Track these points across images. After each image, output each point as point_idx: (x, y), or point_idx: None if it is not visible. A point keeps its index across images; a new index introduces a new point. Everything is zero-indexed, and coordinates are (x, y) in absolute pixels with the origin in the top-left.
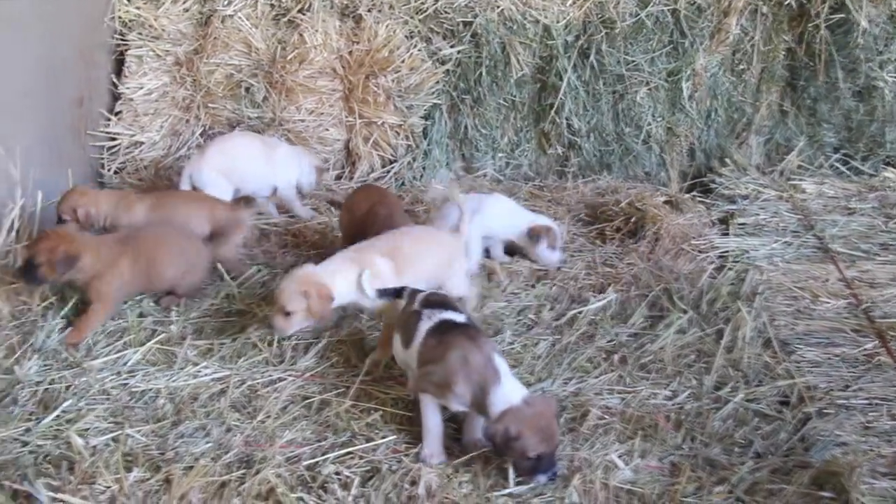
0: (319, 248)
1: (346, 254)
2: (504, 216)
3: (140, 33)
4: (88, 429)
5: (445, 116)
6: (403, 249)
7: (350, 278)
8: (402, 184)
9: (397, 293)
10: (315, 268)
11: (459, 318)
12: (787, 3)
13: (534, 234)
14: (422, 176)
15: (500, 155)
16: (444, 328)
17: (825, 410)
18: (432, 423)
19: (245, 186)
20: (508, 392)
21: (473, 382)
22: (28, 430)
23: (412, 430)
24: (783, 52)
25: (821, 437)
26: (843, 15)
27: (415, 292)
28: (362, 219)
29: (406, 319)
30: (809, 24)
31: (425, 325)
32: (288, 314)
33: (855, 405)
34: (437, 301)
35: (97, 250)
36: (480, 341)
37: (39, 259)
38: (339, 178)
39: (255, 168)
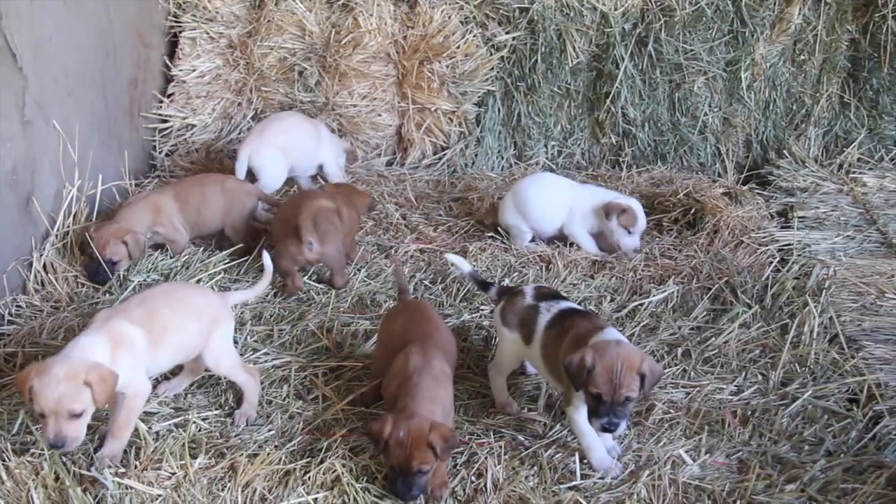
0: (372, 234)
1: (94, 326)
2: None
3: (194, 15)
4: (155, 414)
5: (499, 103)
6: (159, 317)
7: (105, 352)
8: (454, 171)
9: (484, 286)
10: (73, 355)
11: (577, 307)
12: None
13: (608, 210)
14: (474, 163)
15: (552, 143)
16: (563, 317)
17: None
18: (591, 436)
19: (298, 164)
20: (606, 334)
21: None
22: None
23: (477, 420)
24: (846, 43)
25: (894, 436)
26: None
27: (505, 290)
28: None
29: (523, 316)
30: (876, 15)
31: (544, 319)
32: (77, 416)
33: None
34: (551, 293)
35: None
36: (593, 316)
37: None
38: (390, 164)
39: (308, 145)
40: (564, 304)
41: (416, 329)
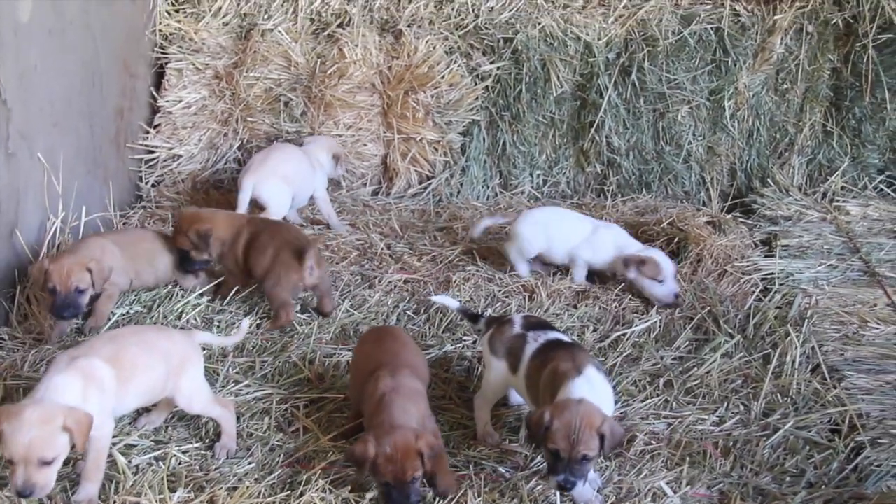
0: (356, 264)
1: (62, 363)
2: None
3: (180, 46)
4: (135, 447)
5: (484, 133)
6: (128, 356)
7: (77, 392)
8: (440, 200)
9: (473, 319)
10: (46, 398)
11: (564, 337)
12: (833, 22)
13: (626, 263)
14: (459, 192)
15: (538, 172)
16: (548, 348)
17: (879, 440)
18: None
19: (297, 194)
20: (573, 390)
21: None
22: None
23: (458, 452)
24: (828, 72)
25: (875, 467)
26: (891, 35)
27: (494, 319)
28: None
29: (511, 344)
30: (857, 44)
31: (531, 348)
32: (48, 464)
33: None
34: (539, 322)
35: None
36: (576, 351)
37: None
38: (375, 193)
39: (307, 175)
40: (552, 335)
41: (384, 349)
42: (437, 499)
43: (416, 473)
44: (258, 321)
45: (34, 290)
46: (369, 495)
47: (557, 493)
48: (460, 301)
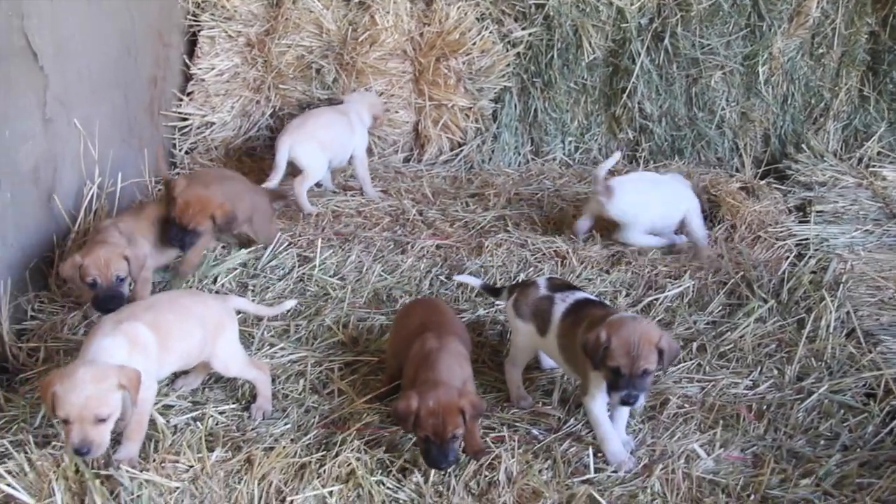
0: (388, 230)
1: (108, 326)
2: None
3: (212, 14)
4: (173, 408)
5: (515, 99)
6: (166, 324)
7: (124, 354)
8: (471, 167)
9: (495, 293)
10: (96, 358)
11: (591, 297)
12: None
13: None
14: (490, 159)
15: (569, 139)
16: (578, 307)
17: None
18: (606, 426)
19: (335, 157)
20: (622, 313)
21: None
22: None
23: (492, 414)
24: (865, 36)
25: None
26: None
27: (516, 285)
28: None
29: (537, 307)
30: (895, 7)
31: (560, 309)
32: (103, 420)
33: None
34: (565, 284)
35: None
36: (606, 306)
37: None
38: (407, 160)
39: (345, 140)
40: (580, 295)
41: (430, 320)
42: (470, 459)
43: (456, 430)
44: (292, 288)
45: (64, 289)
46: (405, 455)
47: (591, 455)
48: (484, 280)
